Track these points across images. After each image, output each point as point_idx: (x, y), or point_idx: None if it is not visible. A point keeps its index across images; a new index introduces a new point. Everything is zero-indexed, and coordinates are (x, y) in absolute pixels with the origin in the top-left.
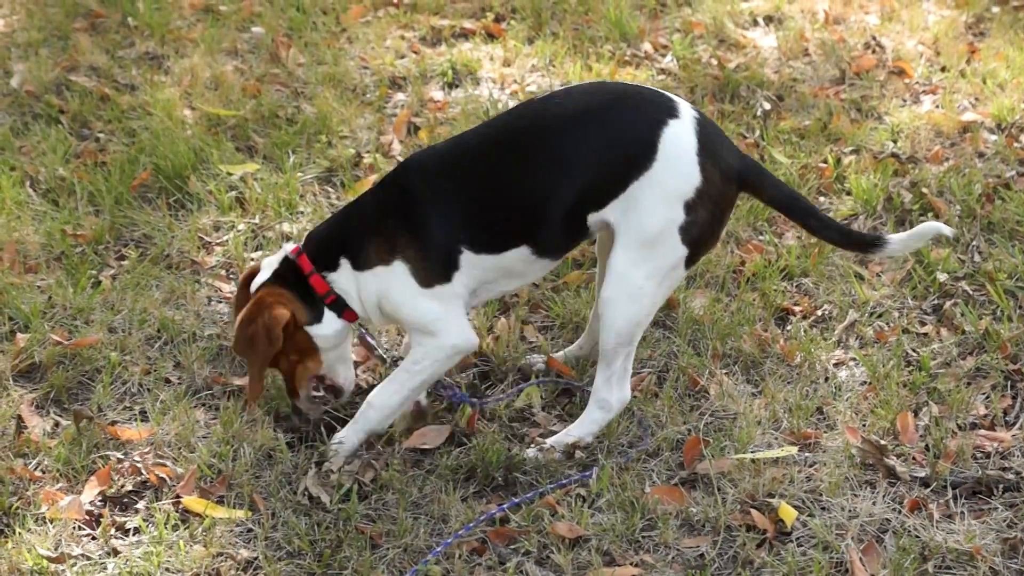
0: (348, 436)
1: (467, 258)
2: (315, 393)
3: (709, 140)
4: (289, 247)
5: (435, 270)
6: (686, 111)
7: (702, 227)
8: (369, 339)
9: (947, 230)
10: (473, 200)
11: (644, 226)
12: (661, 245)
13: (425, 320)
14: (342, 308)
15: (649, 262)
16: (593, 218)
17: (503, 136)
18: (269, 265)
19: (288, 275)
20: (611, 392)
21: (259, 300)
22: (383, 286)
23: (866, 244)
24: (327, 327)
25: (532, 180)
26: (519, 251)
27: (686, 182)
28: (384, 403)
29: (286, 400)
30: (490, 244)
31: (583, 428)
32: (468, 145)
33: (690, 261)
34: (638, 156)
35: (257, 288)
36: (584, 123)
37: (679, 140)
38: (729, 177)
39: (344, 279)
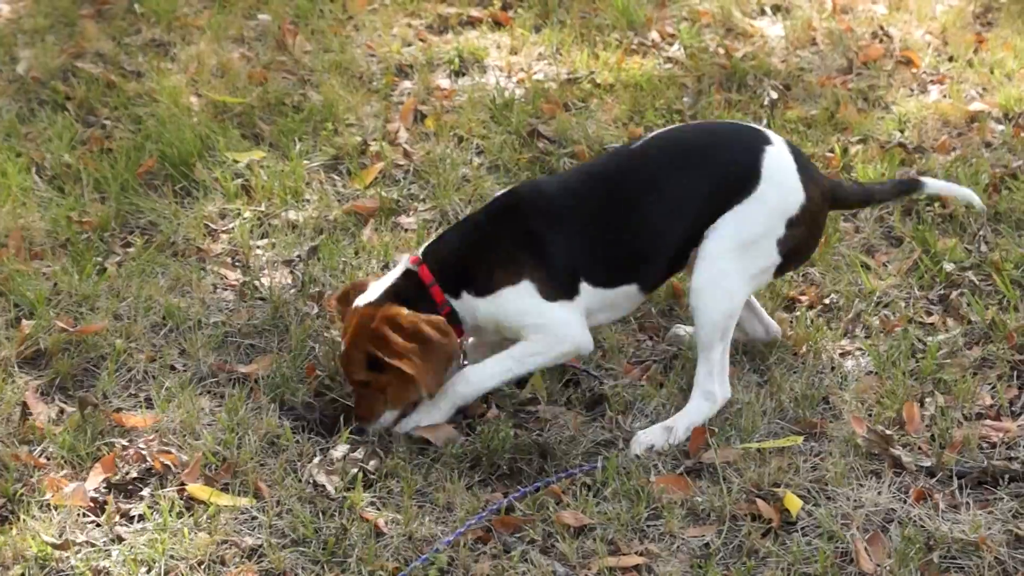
0: (439, 408)
1: (584, 287)
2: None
3: (805, 162)
4: (407, 257)
5: (560, 290)
6: (776, 138)
7: (799, 241)
8: None
9: (978, 204)
10: (589, 237)
11: (742, 232)
12: (757, 250)
13: (549, 323)
14: (453, 323)
15: (742, 261)
16: (696, 251)
17: (612, 183)
18: (384, 280)
19: (409, 287)
20: (714, 384)
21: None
22: (507, 302)
23: (908, 188)
24: None
25: (644, 227)
26: (628, 288)
27: (791, 200)
28: (480, 381)
29: (291, 387)
30: (604, 280)
31: (690, 417)
32: (579, 188)
33: (780, 270)
34: (742, 185)
35: (380, 298)
36: (687, 167)
37: (780, 162)
38: (825, 197)
39: (464, 306)
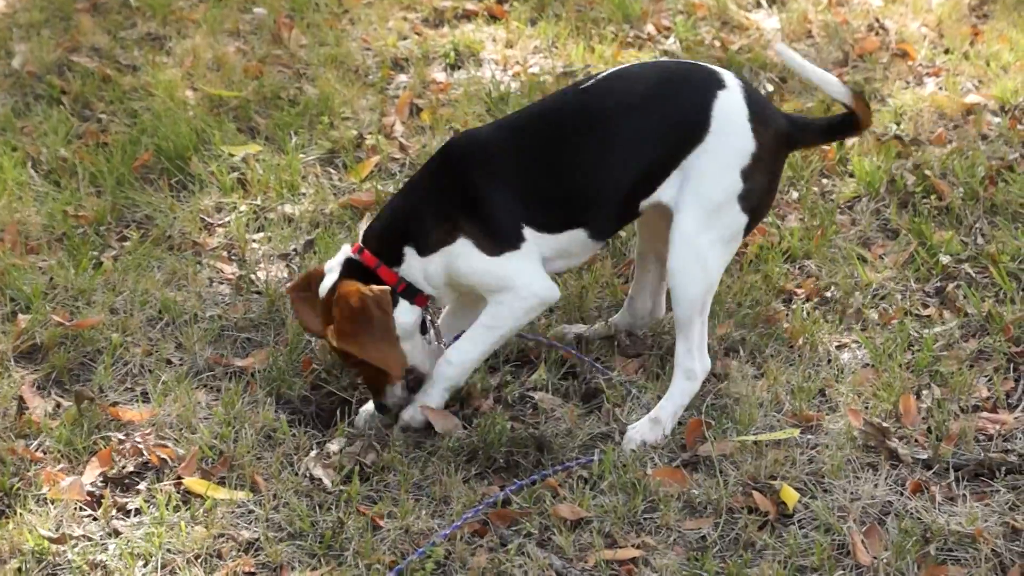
0: (431, 396)
1: (529, 233)
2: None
3: (757, 106)
4: (347, 248)
5: (502, 242)
6: (732, 81)
7: (760, 193)
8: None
9: None
10: (530, 183)
11: (705, 196)
12: (724, 214)
13: (501, 279)
14: (414, 294)
15: (713, 230)
16: (646, 202)
17: (555, 122)
18: (332, 269)
19: (355, 273)
20: (694, 361)
21: (347, 290)
22: (450, 261)
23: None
24: (403, 315)
25: (588, 167)
26: (575, 233)
27: (742, 150)
28: (462, 359)
29: (287, 381)
30: (549, 225)
31: (674, 401)
32: (519, 129)
33: (748, 229)
34: (691, 132)
35: (330, 289)
36: (634, 108)
37: (730, 110)
38: (780, 140)
39: (411, 267)
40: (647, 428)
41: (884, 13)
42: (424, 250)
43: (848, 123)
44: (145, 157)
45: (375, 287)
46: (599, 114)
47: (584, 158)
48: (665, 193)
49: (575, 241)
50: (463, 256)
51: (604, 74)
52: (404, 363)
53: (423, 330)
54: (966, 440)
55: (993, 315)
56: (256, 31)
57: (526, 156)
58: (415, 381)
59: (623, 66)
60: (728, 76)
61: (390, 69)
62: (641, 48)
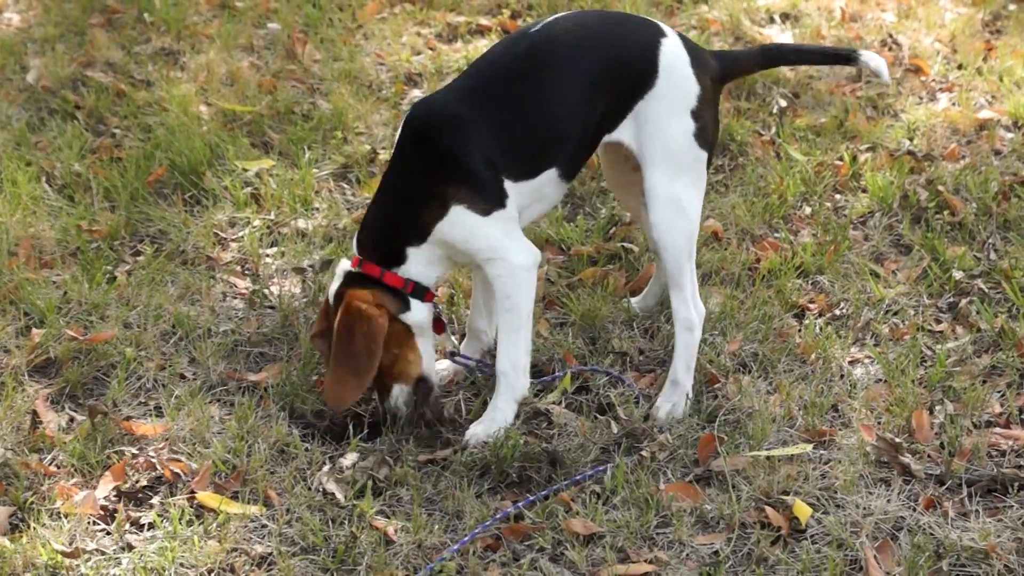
0: (501, 410)
1: (509, 186)
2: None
3: (693, 51)
4: (345, 264)
5: (490, 200)
6: (668, 29)
7: (711, 128)
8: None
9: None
10: (502, 132)
11: (667, 143)
12: (687, 155)
13: (493, 243)
14: (423, 292)
15: (683, 174)
16: (607, 139)
17: (513, 68)
18: (337, 278)
19: (360, 282)
20: (690, 311)
21: (350, 308)
22: (447, 233)
23: (842, 57)
24: (417, 313)
25: (554, 105)
26: (548, 174)
27: (688, 93)
28: (513, 357)
29: (300, 396)
30: (525, 171)
31: (682, 360)
32: (477, 83)
33: (708, 163)
34: (642, 76)
35: (336, 293)
36: (588, 47)
37: (674, 56)
38: (716, 79)
39: (415, 263)
40: (668, 395)
41: (897, 29)
42: (423, 237)
43: (779, 57)
44: (159, 172)
45: (371, 309)
46: (556, 54)
47: (549, 96)
48: (623, 134)
49: (549, 182)
50: (459, 224)
51: (551, 19)
52: (361, 389)
53: (439, 329)
54: (979, 456)
55: (1006, 331)
56: (270, 46)
57: (491, 107)
58: (425, 390)
59: (568, 13)
60: (664, 26)
61: (403, 84)
62: None
